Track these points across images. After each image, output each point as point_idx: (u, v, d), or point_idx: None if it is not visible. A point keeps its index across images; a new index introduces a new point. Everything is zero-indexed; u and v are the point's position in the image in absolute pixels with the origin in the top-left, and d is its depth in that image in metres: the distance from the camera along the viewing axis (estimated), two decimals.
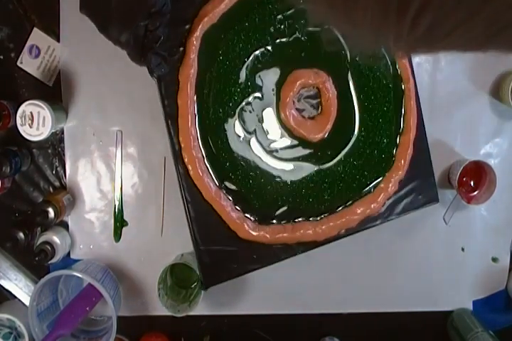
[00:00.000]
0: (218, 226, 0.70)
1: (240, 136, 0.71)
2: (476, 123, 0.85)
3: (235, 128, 0.71)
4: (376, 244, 0.82)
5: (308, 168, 0.73)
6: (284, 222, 0.72)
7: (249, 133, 0.71)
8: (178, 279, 0.80)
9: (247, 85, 0.70)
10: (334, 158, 0.74)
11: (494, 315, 0.85)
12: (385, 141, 0.75)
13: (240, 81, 0.70)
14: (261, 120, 0.72)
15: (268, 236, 0.71)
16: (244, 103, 0.70)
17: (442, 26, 0.21)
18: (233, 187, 0.71)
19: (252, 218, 0.71)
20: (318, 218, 0.73)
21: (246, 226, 0.71)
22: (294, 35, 0.71)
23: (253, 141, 0.71)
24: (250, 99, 0.71)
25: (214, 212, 0.70)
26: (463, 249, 0.85)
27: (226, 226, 0.70)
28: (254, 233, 0.71)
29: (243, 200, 0.71)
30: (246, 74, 0.70)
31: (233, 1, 0.69)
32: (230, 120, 0.70)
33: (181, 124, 0.69)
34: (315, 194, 0.73)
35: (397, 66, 0.76)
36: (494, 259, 0.85)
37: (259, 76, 0.71)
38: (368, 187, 0.75)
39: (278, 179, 0.72)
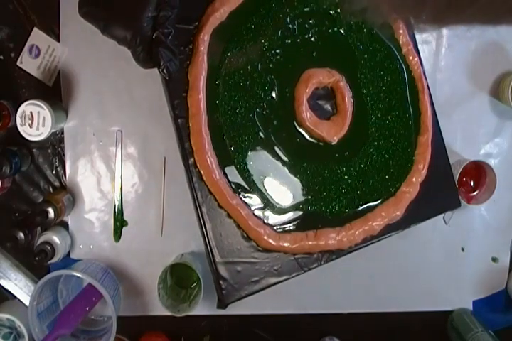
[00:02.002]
0: (236, 235, 0.66)
1: (254, 138, 0.68)
2: (476, 123, 0.85)
3: (249, 129, 0.68)
4: (376, 243, 0.82)
5: (327, 169, 0.71)
6: (305, 228, 0.69)
7: (264, 134, 0.68)
8: (178, 279, 0.80)
9: (260, 85, 0.68)
10: (352, 159, 0.72)
11: (494, 315, 0.85)
12: (403, 141, 0.74)
13: (252, 81, 0.68)
14: (276, 121, 0.69)
15: (289, 244, 0.67)
16: (257, 104, 0.68)
17: None
18: (250, 191, 0.67)
19: (272, 225, 0.67)
20: (342, 224, 0.70)
21: (266, 234, 0.66)
22: (305, 35, 0.70)
23: (268, 141, 0.68)
24: (263, 99, 0.69)
25: (231, 219, 0.66)
26: (463, 249, 0.85)
27: (244, 235, 0.67)
28: (274, 241, 0.67)
29: (262, 206, 0.67)
30: (258, 74, 0.68)
31: (240, 0, 0.68)
32: (243, 121, 0.68)
33: (193, 125, 0.65)
34: (336, 197, 0.71)
35: (409, 66, 0.75)
36: (494, 259, 0.85)
37: (272, 76, 0.69)
38: (389, 190, 0.73)
39: (296, 181, 0.69)
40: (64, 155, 0.78)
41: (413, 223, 0.74)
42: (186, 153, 0.66)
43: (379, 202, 0.72)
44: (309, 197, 0.70)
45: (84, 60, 0.77)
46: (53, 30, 0.77)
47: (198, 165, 0.65)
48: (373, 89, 0.74)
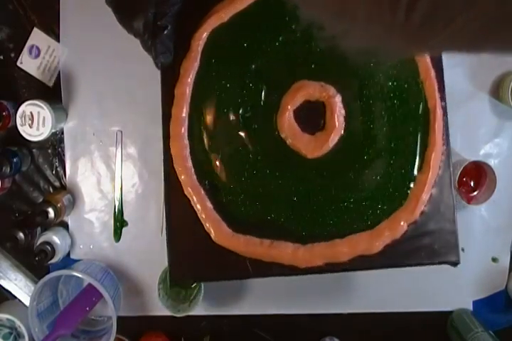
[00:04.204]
0: (193, 224, 0.66)
1: (232, 136, 0.68)
2: (476, 123, 0.85)
3: (229, 127, 0.68)
4: None
5: (301, 184, 0.67)
6: (265, 236, 0.66)
7: (243, 135, 0.68)
8: None
9: (248, 87, 0.68)
10: (332, 180, 0.67)
11: (494, 315, 0.85)
12: (399, 175, 0.67)
13: (241, 81, 0.68)
14: (256, 125, 0.68)
15: (241, 246, 0.66)
16: (242, 104, 0.68)
17: (439, 17, 0.20)
18: (216, 186, 0.67)
19: (230, 223, 0.67)
20: (305, 242, 0.66)
21: (219, 230, 0.66)
22: (307, 45, 0.68)
23: (246, 143, 0.68)
24: (249, 101, 0.68)
25: (192, 208, 0.66)
26: (463, 249, 0.85)
27: (200, 226, 0.66)
28: (226, 239, 0.66)
29: (223, 202, 0.67)
30: (249, 76, 0.68)
31: (244, 5, 0.68)
32: (224, 118, 0.68)
33: (174, 113, 0.68)
34: (303, 213, 0.67)
35: (425, 94, 0.68)
36: (494, 259, 0.85)
37: (263, 80, 0.68)
38: (366, 223, 0.67)
39: (266, 187, 0.67)
40: (64, 155, 0.78)
41: (392, 266, 0.67)
42: (166, 138, 0.68)
43: (351, 230, 0.66)
44: (275, 207, 0.67)
45: (84, 60, 0.77)
46: (53, 30, 0.77)
47: (171, 150, 0.67)
48: (377, 112, 0.68)
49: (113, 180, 0.79)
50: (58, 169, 0.79)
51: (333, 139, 0.68)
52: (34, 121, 0.70)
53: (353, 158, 0.68)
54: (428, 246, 0.66)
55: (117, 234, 0.79)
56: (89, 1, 0.77)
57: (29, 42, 0.77)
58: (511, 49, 0.23)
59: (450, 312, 0.85)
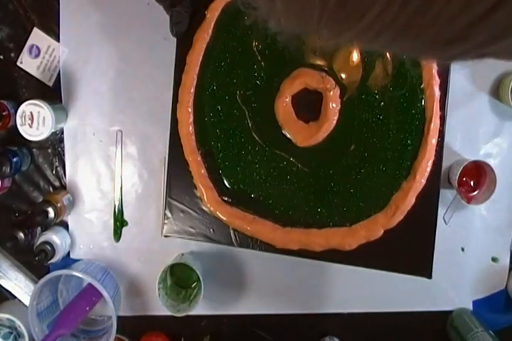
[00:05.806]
0: (188, 185, 0.70)
1: (230, 111, 0.70)
2: (476, 123, 0.85)
3: (229, 101, 0.70)
4: None
5: (289, 167, 0.69)
6: (249, 211, 0.69)
7: (239, 111, 0.70)
8: (178, 279, 0.80)
9: (252, 66, 0.69)
10: (318, 169, 0.69)
11: (494, 315, 0.85)
12: (382, 178, 0.68)
13: (246, 59, 0.69)
14: (255, 104, 0.70)
15: (225, 215, 0.69)
16: (244, 82, 0.70)
17: (352, 6, 0.18)
18: (211, 155, 0.70)
19: (220, 192, 0.70)
20: (284, 224, 0.69)
21: (210, 196, 0.69)
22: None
23: (243, 119, 0.70)
24: (251, 81, 0.69)
25: (189, 171, 0.70)
26: (463, 249, 0.85)
27: (194, 189, 0.70)
28: (215, 206, 0.69)
29: (217, 172, 0.70)
30: (254, 55, 0.69)
31: None
32: (225, 92, 0.70)
33: (184, 81, 0.70)
34: (286, 198, 0.69)
35: (425, 103, 0.68)
36: (494, 259, 0.85)
37: (267, 62, 0.69)
38: (345, 219, 0.68)
39: (257, 165, 0.69)
40: (64, 155, 0.78)
41: (362, 265, 0.69)
42: (175, 102, 0.70)
43: (329, 224, 0.69)
44: (261, 185, 0.70)
45: (84, 60, 0.77)
46: (53, 30, 0.77)
47: (177, 114, 0.70)
48: (372, 113, 0.68)
49: (113, 180, 0.79)
50: (58, 169, 0.79)
51: (324, 132, 0.69)
52: (34, 121, 0.70)
53: (340, 154, 0.69)
54: (401, 256, 0.69)
55: (117, 234, 0.79)
56: (89, 1, 0.77)
57: (29, 42, 0.77)
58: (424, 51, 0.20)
59: (450, 312, 0.85)
